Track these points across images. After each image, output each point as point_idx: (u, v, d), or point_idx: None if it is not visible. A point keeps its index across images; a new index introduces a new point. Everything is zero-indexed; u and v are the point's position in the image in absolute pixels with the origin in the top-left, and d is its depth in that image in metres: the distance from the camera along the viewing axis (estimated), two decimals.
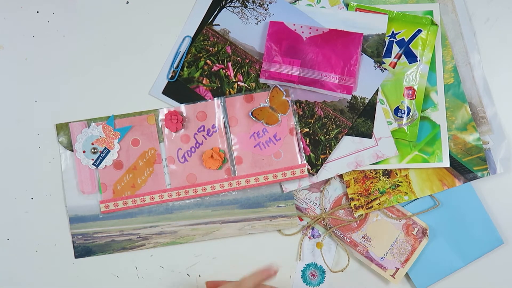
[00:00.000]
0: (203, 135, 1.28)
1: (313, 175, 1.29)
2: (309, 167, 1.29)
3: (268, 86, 1.29)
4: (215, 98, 1.29)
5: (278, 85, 1.28)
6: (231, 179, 1.28)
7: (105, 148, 1.28)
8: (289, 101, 1.28)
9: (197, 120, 1.29)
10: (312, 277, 1.32)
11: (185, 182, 1.28)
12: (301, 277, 1.32)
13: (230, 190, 1.28)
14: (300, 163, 1.28)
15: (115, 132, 1.28)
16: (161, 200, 1.28)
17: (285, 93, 1.28)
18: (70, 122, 1.29)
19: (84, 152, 1.28)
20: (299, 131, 1.29)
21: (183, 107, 1.29)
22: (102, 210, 1.28)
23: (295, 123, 1.29)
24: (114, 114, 1.29)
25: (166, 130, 1.29)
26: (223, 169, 1.28)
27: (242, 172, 1.28)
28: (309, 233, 1.32)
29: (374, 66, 1.28)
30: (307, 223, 1.31)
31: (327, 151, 1.29)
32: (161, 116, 1.29)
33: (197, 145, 1.28)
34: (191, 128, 1.29)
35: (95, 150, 1.28)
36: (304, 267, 1.32)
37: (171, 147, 1.29)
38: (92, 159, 1.28)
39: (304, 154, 1.29)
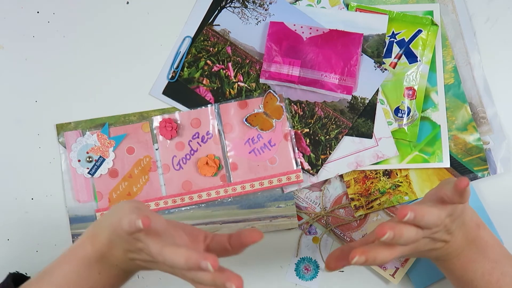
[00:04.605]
0: (197, 142, 1.28)
1: (313, 175, 1.29)
2: (309, 167, 1.29)
3: (268, 87, 1.29)
4: (209, 105, 1.29)
5: (272, 91, 1.28)
6: (227, 185, 1.28)
7: (100, 156, 1.28)
8: (283, 107, 1.28)
9: (191, 127, 1.28)
10: (306, 271, 1.32)
11: (181, 190, 1.28)
12: (295, 270, 1.32)
13: (226, 196, 1.28)
14: (295, 168, 1.28)
15: (110, 141, 1.28)
16: (157, 208, 1.28)
17: (279, 99, 1.28)
18: (65, 132, 1.29)
19: (79, 161, 1.28)
20: (293, 136, 1.28)
21: (177, 115, 1.29)
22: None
23: (290, 127, 1.28)
24: (114, 115, 1.29)
25: (160, 138, 1.29)
26: (218, 176, 1.28)
27: (237, 179, 1.28)
28: (307, 229, 1.32)
29: (374, 66, 1.28)
30: (306, 220, 1.31)
31: (327, 151, 1.29)
32: (156, 124, 1.29)
33: (192, 152, 1.28)
34: (186, 135, 1.28)
35: (90, 159, 1.28)
36: (298, 260, 1.32)
37: (166, 155, 1.29)
38: (87, 168, 1.28)
39: (299, 159, 1.28)
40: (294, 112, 1.29)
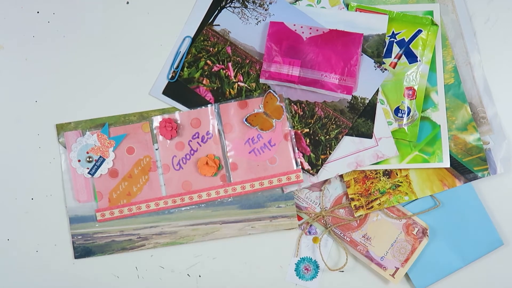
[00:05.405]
0: (197, 142, 1.28)
1: (313, 175, 1.29)
2: (309, 167, 1.29)
3: (268, 87, 1.29)
4: (209, 105, 1.29)
5: (272, 91, 1.28)
6: (227, 185, 1.28)
7: (100, 156, 1.28)
8: (283, 107, 1.28)
9: (191, 127, 1.28)
10: (306, 271, 1.32)
11: (181, 190, 1.28)
12: (295, 270, 1.33)
13: (226, 196, 1.28)
14: (295, 168, 1.28)
15: (110, 141, 1.28)
16: (157, 208, 1.28)
17: (279, 99, 1.28)
18: (65, 132, 1.29)
19: (79, 161, 1.28)
20: (293, 136, 1.28)
21: (177, 115, 1.29)
22: (98, 219, 1.28)
23: (290, 127, 1.28)
24: (114, 115, 1.29)
25: (160, 138, 1.29)
26: (218, 176, 1.28)
27: (237, 178, 1.28)
28: (307, 229, 1.32)
29: (374, 66, 1.28)
30: (306, 220, 1.31)
31: (327, 151, 1.29)
32: (156, 124, 1.29)
33: (192, 152, 1.28)
34: (186, 135, 1.29)
35: (90, 159, 1.28)
36: (298, 260, 1.32)
37: (166, 155, 1.29)
38: (88, 168, 1.28)
39: (299, 159, 1.28)
40: (294, 112, 1.29)
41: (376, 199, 1.30)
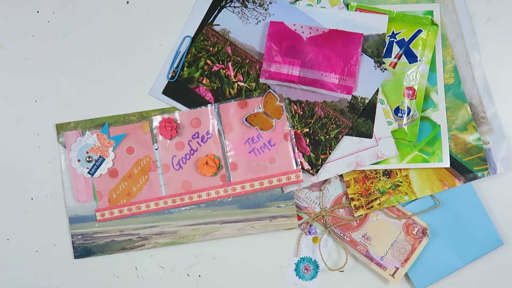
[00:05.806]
0: (197, 142, 1.28)
1: (313, 175, 1.29)
2: (309, 167, 1.29)
3: (268, 86, 1.29)
4: (209, 105, 1.29)
5: (272, 91, 1.28)
6: (226, 185, 1.28)
7: (100, 156, 1.28)
8: (283, 106, 1.28)
9: (191, 127, 1.28)
10: (306, 271, 1.32)
11: (180, 189, 1.28)
12: (295, 270, 1.33)
13: (226, 196, 1.28)
14: (295, 168, 1.28)
15: (109, 141, 1.28)
16: (156, 208, 1.28)
17: (279, 98, 1.28)
18: (65, 132, 1.29)
19: (79, 161, 1.28)
20: (293, 135, 1.28)
21: (177, 114, 1.29)
22: (98, 219, 1.28)
23: (290, 127, 1.28)
24: (114, 114, 1.29)
25: (160, 138, 1.29)
26: (218, 176, 1.28)
27: (237, 178, 1.28)
28: (306, 229, 1.32)
29: (374, 66, 1.28)
30: (306, 220, 1.31)
31: (327, 151, 1.29)
32: (155, 124, 1.29)
33: (192, 152, 1.28)
34: (186, 135, 1.29)
35: (90, 159, 1.28)
36: (298, 260, 1.32)
37: (166, 155, 1.29)
38: (87, 168, 1.28)
39: (299, 159, 1.28)
40: (294, 112, 1.29)
41: (376, 199, 1.30)
